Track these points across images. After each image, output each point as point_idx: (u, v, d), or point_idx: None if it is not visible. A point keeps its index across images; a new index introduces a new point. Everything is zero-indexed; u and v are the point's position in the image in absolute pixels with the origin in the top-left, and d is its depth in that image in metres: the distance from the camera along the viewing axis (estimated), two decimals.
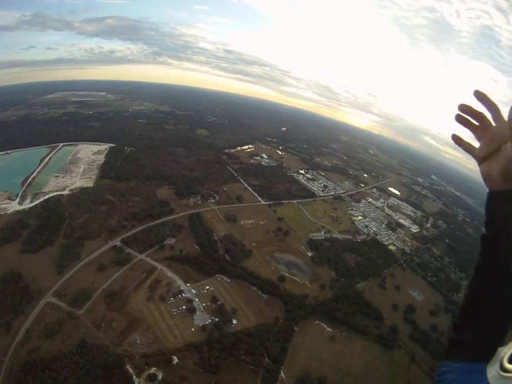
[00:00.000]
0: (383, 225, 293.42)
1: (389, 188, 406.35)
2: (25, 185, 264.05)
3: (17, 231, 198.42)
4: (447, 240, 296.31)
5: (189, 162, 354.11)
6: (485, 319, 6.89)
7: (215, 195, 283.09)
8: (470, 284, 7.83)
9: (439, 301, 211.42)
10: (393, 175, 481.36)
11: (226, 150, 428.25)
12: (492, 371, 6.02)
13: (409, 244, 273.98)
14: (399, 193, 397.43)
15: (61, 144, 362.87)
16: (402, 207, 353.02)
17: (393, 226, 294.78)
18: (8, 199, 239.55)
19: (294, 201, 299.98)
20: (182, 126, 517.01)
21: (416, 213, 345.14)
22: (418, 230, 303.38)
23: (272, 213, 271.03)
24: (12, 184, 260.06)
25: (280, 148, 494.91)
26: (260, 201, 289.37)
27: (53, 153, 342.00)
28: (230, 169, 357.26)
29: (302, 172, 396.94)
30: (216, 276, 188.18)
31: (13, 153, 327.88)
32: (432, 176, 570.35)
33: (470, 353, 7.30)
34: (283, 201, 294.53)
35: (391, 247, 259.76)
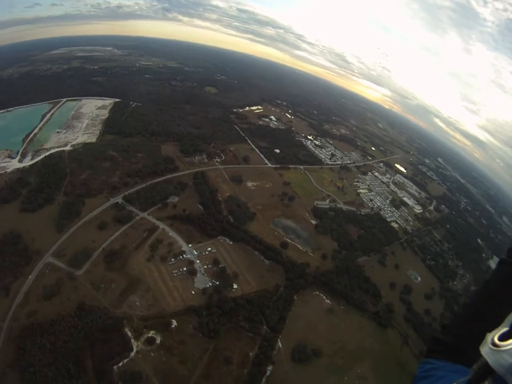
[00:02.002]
0: (387, 201, 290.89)
1: (396, 165, 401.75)
2: (26, 142, 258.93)
3: (17, 190, 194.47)
4: (448, 226, 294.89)
5: (195, 119, 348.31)
6: (479, 329, 7.20)
7: (221, 154, 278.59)
8: (475, 295, 8.97)
9: (435, 285, 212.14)
10: (400, 152, 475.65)
11: (234, 109, 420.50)
12: (485, 349, 6.40)
13: (412, 223, 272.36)
14: (405, 171, 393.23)
15: (64, 99, 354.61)
16: (408, 185, 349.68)
17: (397, 203, 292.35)
18: (8, 157, 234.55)
19: (301, 167, 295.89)
20: (189, 83, 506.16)
21: (420, 193, 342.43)
22: (421, 211, 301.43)
23: (278, 176, 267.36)
24: (13, 142, 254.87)
25: (289, 111, 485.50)
26: (266, 164, 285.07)
27: (55, 108, 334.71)
28: (238, 128, 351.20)
29: (311, 137, 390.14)
30: (219, 237, 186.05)
31: (14, 110, 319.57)
32: (439, 159, 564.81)
33: (457, 356, 8.49)
34: (290, 166, 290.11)
35: (394, 225, 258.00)
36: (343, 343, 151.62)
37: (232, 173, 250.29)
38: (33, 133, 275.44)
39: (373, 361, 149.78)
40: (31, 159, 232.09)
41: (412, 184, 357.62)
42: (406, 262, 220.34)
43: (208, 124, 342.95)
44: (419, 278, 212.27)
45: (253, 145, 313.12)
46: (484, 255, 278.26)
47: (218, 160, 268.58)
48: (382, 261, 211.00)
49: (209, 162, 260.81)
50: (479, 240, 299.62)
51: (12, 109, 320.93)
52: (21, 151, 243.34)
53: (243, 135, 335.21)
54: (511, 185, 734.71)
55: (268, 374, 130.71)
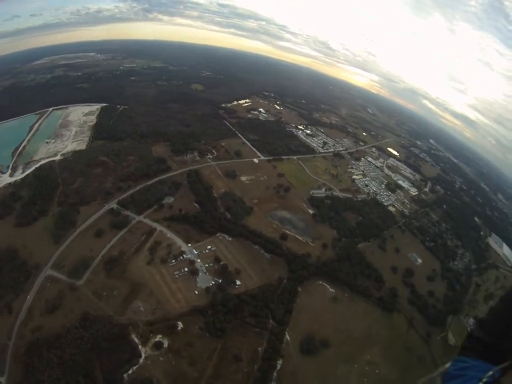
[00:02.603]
0: (383, 186, 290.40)
1: (388, 148, 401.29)
2: (15, 156, 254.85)
3: (10, 205, 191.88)
4: (444, 206, 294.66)
5: (184, 117, 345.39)
6: None
7: (213, 150, 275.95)
8: None
9: (436, 266, 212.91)
10: (391, 135, 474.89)
11: (222, 105, 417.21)
12: None
13: (408, 206, 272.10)
14: (398, 154, 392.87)
15: (50, 109, 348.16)
16: (401, 168, 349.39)
17: (393, 187, 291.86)
18: None
19: (294, 157, 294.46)
20: (175, 82, 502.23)
21: (415, 175, 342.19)
22: (417, 193, 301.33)
23: (272, 168, 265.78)
24: (2, 156, 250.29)
25: (278, 102, 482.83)
26: (259, 157, 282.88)
27: (42, 119, 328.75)
28: (228, 123, 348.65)
29: (301, 127, 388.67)
30: (218, 234, 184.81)
31: (0, 124, 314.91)
32: (431, 141, 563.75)
33: (493, 355, 7.97)
34: (283, 157, 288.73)
35: (391, 208, 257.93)
36: (350, 331, 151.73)
37: (225, 169, 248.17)
38: (22, 146, 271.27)
39: (381, 346, 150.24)
40: (22, 172, 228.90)
41: (405, 167, 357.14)
42: (406, 245, 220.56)
43: (197, 121, 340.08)
44: (420, 260, 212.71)
45: (244, 139, 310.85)
46: (482, 233, 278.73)
47: (211, 156, 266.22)
48: (382, 246, 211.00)
49: (202, 160, 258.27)
50: (476, 219, 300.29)
51: None
52: (11, 165, 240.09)
53: (233, 129, 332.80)
54: (504, 163, 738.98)
55: (278, 368, 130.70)
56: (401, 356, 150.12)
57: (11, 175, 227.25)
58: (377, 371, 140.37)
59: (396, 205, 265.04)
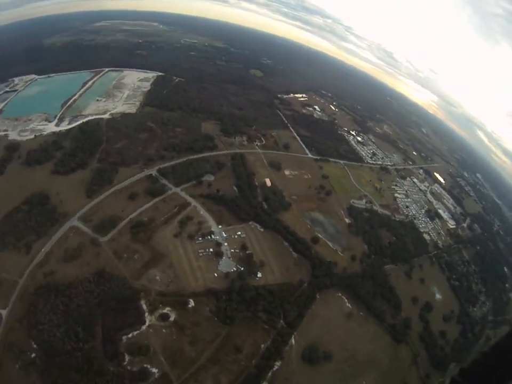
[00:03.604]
0: (423, 211, 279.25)
1: (435, 173, 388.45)
2: (64, 108, 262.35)
3: (51, 153, 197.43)
4: (478, 247, 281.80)
5: (238, 100, 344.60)
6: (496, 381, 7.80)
7: (262, 138, 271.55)
8: (495, 346, 9.49)
9: (455, 308, 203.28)
10: (441, 160, 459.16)
11: (278, 95, 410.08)
12: None
13: (443, 238, 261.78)
14: (443, 182, 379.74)
15: (106, 69, 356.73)
16: (444, 197, 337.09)
17: (432, 215, 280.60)
18: (45, 121, 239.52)
19: (341, 162, 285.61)
20: (235, 64, 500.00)
21: (456, 207, 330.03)
22: (454, 226, 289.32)
23: (317, 168, 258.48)
24: (51, 106, 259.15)
25: (334, 103, 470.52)
26: (306, 154, 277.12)
27: (96, 77, 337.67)
28: (281, 114, 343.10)
29: (353, 133, 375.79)
30: (250, 223, 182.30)
31: (55, 76, 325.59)
32: (478, 175, 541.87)
33: None
34: (330, 159, 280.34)
35: (426, 236, 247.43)
36: (355, 351, 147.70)
37: (271, 159, 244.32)
38: (72, 99, 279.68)
39: (379, 375, 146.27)
40: (68, 124, 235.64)
41: (448, 196, 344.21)
42: (432, 278, 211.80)
43: (251, 106, 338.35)
44: (441, 297, 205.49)
45: (294, 133, 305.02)
46: (507, 285, 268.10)
47: (259, 144, 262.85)
48: (409, 273, 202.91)
49: (249, 145, 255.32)
50: (505, 269, 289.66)
51: (53, 75, 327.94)
52: (58, 116, 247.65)
53: (286, 121, 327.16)
54: None
55: (275, 369, 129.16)
56: None
57: (57, 125, 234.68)
58: None
59: (431, 234, 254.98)
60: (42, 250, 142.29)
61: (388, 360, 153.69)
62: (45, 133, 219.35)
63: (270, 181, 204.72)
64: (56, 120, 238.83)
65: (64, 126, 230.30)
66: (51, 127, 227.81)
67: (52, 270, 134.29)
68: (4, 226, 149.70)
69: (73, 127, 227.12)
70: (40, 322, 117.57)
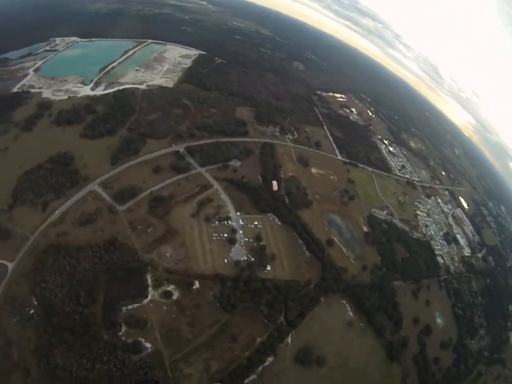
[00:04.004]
0: (441, 233, 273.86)
1: (460, 197, 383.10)
2: (102, 73, 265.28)
3: (82, 116, 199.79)
4: (488, 280, 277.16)
5: (277, 90, 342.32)
6: None
7: (295, 132, 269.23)
8: None
9: (454, 336, 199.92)
10: (468, 185, 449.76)
11: (318, 91, 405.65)
12: None
13: (456, 264, 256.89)
14: (467, 208, 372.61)
15: (149, 41, 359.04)
16: (465, 223, 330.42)
17: (450, 238, 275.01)
18: (81, 83, 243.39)
19: (369, 169, 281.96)
20: (278, 54, 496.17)
21: (474, 236, 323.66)
22: (469, 254, 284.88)
23: (345, 171, 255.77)
24: (89, 70, 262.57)
25: (371, 109, 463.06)
26: (336, 155, 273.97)
27: (138, 47, 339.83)
28: (317, 111, 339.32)
29: (386, 142, 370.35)
30: (269, 214, 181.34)
31: (97, 41, 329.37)
32: (502, 207, 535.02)
33: None
34: (359, 164, 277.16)
35: (439, 259, 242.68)
36: (349, 360, 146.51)
37: (300, 154, 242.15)
38: (111, 66, 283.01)
39: None
40: (104, 89, 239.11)
41: (469, 223, 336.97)
42: (437, 302, 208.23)
43: (288, 98, 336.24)
44: (442, 323, 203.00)
45: (328, 132, 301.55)
46: (509, 324, 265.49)
47: (290, 137, 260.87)
48: (416, 292, 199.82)
49: (281, 137, 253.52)
50: (510, 307, 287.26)
51: (95, 39, 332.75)
52: (95, 80, 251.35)
53: (321, 119, 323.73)
54: None
55: (266, 364, 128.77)
56: None
57: (92, 89, 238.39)
58: None
59: (445, 258, 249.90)
60: (59, 210, 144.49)
61: (379, 375, 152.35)
62: (79, 95, 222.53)
63: (277, 185, 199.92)
64: (92, 84, 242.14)
65: (99, 91, 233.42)
66: (86, 90, 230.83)
67: (65, 231, 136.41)
68: (24, 181, 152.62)
69: (108, 93, 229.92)
70: (45, 280, 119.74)
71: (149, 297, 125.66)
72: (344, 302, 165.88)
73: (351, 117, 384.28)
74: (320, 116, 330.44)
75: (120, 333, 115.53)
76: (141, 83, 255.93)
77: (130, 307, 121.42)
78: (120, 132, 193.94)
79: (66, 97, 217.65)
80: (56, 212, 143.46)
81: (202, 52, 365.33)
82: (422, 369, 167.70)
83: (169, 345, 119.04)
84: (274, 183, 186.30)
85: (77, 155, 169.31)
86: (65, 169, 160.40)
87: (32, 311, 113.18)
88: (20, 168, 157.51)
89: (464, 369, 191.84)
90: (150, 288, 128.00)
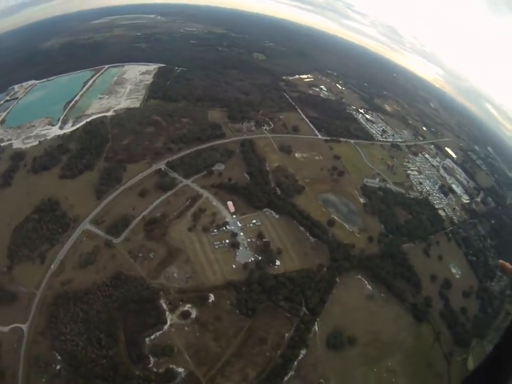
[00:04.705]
0: (436, 187, 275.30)
1: (446, 148, 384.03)
2: (67, 110, 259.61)
3: (56, 157, 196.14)
4: (493, 221, 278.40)
5: (243, 85, 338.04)
6: None
7: (270, 122, 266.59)
8: (493, 350, 8.20)
9: (474, 284, 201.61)
10: (451, 135, 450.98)
11: (283, 77, 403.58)
12: None
13: (458, 214, 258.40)
14: (455, 156, 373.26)
15: (106, 66, 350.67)
16: (457, 172, 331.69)
17: (446, 190, 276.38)
18: (48, 125, 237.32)
19: (352, 141, 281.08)
20: (236, 49, 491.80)
21: (468, 182, 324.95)
22: (468, 201, 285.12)
23: (328, 149, 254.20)
24: (54, 110, 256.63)
25: (340, 82, 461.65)
26: (316, 135, 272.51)
27: (97, 75, 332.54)
28: (287, 97, 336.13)
29: (362, 111, 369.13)
30: (265, 210, 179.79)
31: (55, 79, 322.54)
32: (489, 148, 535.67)
33: None
34: (340, 139, 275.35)
35: (441, 212, 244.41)
36: (379, 333, 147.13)
37: (281, 142, 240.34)
38: (74, 100, 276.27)
39: (404, 355, 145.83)
40: (72, 126, 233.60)
41: (461, 171, 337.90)
42: (449, 255, 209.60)
43: (256, 90, 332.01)
44: (460, 273, 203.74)
45: (303, 115, 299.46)
46: None
47: (267, 128, 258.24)
48: (427, 250, 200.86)
49: (258, 130, 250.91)
50: None
51: (52, 77, 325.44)
52: (61, 118, 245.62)
53: (293, 103, 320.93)
54: None
55: (300, 357, 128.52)
56: (421, 369, 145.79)
57: (61, 128, 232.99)
58: (393, 380, 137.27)
59: (446, 210, 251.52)
60: (57, 258, 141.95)
61: (411, 340, 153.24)
62: (49, 137, 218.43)
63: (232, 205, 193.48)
64: (59, 123, 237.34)
65: (68, 128, 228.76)
66: (55, 131, 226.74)
67: (69, 278, 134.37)
68: (16, 238, 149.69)
69: (77, 128, 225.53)
70: (62, 332, 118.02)
71: (168, 322, 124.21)
72: (360, 277, 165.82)
73: (321, 95, 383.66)
74: (291, 100, 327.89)
75: (150, 365, 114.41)
76: (108, 110, 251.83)
77: (152, 337, 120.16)
78: (97, 164, 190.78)
79: (37, 142, 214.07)
80: (56, 260, 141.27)
81: (161, 65, 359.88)
82: (451, 323, 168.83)
83: (201, 364, 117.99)
84: (230, 203, 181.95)
85: (61, 198, 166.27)
86: (53, 216, 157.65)
87: (58, 367, 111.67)
88: (8, 225, 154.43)
89: (491, 312, 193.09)
90: (167, 313, 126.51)
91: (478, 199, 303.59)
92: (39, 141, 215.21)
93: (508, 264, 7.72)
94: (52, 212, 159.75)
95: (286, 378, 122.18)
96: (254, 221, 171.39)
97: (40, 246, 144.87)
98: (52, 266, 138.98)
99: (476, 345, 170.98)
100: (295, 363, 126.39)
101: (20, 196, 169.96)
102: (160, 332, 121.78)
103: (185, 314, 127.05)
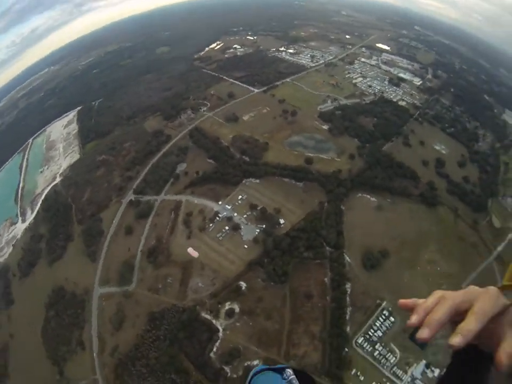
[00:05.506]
0: (386, 82, 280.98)
1: (377, 44, 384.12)
2: (19, 201, 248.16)
3: (36, 249, 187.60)
4: (452, 90, 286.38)
5: (162, 83, 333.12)
6: None
7: (205, 102, 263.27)
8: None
9: (463, 151, 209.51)
10: (375, 31, 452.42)
11: (195, 56, 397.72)
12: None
13: (417, 97, 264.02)
14: (389, 48, 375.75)
15: (30, 140, 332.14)
16: (398, 61, 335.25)
17: (396, 81, 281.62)
18: (12, 226, 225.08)
19: (288, 79, 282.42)
20: (138, 54, 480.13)
21: (413, 65, 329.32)
22: (421, 82, 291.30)
23: (270, 98, 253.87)
24: (8, 208, 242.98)
25: (249, 33, 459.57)
26: (253, 91, 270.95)
27: (26, 153, 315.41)
28: (208, 71, 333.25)
29: (283, 49, 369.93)
30: (244, 181, 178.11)
31: None
32: (416, 27, 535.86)
33: None
34: (276, 83, 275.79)
35: (402, 103, 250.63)
36: (403, 236, 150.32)
37: (225, 114, 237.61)
38: (20, 188, 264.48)
39: (435, 243, 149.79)
40: (32, 212, 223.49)
41: (401, 58, 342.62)
42: (428, 136, 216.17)
43: (177, 81, 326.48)
44: (446, 148, 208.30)
45: (231, 80, 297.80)
46: (495, 110, 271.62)
47: (205, 108, 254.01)
48: (406, 142, 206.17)
49: (197, 115, 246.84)
50: (486, 97, 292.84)
51: None
52: (19, 212, 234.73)
53: (216, 74, 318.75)
54: (494, 36, 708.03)
55: (348, 292, 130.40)
56: (456, 247, 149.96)
57: (23, 221, 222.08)
58: (438, 268, 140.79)
59: (405, 99, 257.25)
60: (93, 336, 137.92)
61: (434, 227, 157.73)
62: (19, 236, 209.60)
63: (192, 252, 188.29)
64: (19, 218, 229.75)
65: (30, 216, 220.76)
66: (20, 227, 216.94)
67: (113, 346, 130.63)
68: (48, 343, 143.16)
69: (38, 212, 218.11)
70: None
71: (220, 328, 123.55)
72: (360, 194, 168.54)
73: (238, 53, 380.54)
74: (213, 73, 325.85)
75: (229, 374, 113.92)
76: (54, 178, 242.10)
77: (214, 349, 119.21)
78: (74, 231, 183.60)
79: (11, 248, 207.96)
80: (93, 338, 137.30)
81: (78, 108, 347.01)
82: (461, 195, 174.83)
83: (270, 346, 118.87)
84: (190, 249, 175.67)
85: (62, 282, 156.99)
86: (65, 302, 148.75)
87: None
88: (34, 335, 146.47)
89: (491, 169, 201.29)
90: (214, 321, 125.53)
91: (429, 76, 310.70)
92: (13, 245, 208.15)
93: (408, 301, 6.38)
94: (62, 299, 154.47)
95: (347, 317, 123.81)
96: (240, 197, 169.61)
97: (72, 335, 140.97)
98: (93, 345, 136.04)
99: (493, 203, 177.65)
100: (347, 299, 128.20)
101: (28, 305, 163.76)
102: (218, 340, 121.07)
103: (230, 313, 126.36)
